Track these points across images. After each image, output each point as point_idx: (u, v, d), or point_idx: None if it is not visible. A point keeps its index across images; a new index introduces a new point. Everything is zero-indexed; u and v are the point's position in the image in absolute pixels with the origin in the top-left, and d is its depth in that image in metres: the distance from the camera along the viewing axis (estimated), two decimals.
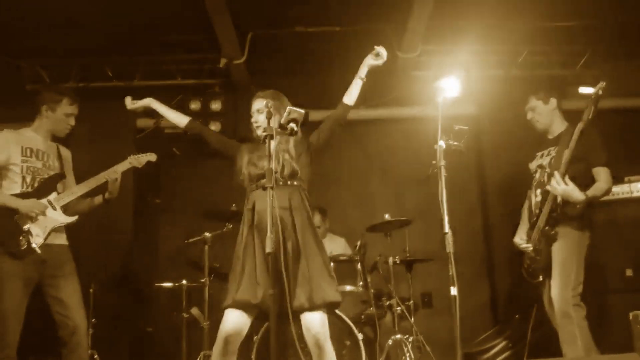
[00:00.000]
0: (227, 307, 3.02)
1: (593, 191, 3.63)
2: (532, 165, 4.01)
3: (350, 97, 3.37)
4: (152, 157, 4.03)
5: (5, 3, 4.66)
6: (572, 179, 3.58)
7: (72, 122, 3.82)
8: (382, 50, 3.33)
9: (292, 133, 2.92)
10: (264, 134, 2.87)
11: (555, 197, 3.63)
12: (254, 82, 5.64)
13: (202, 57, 5.69)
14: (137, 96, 3.49)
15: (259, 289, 2.97)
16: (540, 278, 3.80)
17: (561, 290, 3.60)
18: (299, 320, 3.00)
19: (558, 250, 3.70)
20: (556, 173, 3.56)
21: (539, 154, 3.98)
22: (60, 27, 5.07)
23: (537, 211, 3.81)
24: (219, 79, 5.82)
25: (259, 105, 3.26)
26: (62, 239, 3.69)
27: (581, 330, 3.54)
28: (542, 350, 3.94)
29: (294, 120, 2.92)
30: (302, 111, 2.93)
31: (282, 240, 2.93)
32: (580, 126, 3.54)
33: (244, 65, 5.46)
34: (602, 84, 3.46)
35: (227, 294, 3.05)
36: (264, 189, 2.87)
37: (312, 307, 2.96)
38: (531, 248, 3.83)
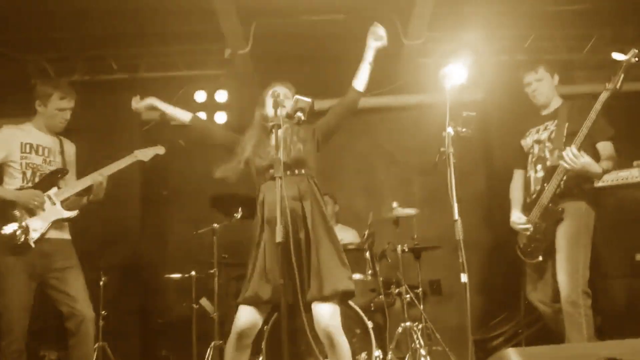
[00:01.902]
0: (239, 304, 3.03)
1: (606, 165, 3.53)
2: (527, 141, 3.89)
3: (361, 82, 3.31)
4: (160, 150, 4.03)
5: None
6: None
7: (67, 116, 3.78)
8: (379, 29, 3.28)
9: (299, 122, 2.91)
10: (271, 123, 2.85)
11: (564, 172, 3.52)
12: (259, 72, 5.63)
13: (207, 48, 5.67)
14: (143, 88, 3.49)
15: (268, 285, 2.96)
16: (540, 258, 3.69)
17: (570, 276, 3.50)
18: (311, 311, 2.99)
19: (565, 232, 3.59)
20: (573, 147, 3.43)
21: (533, 129, 3.88)
22: (65, 21, 5.06)
23: (538, 187, 3.72)
24: (223, 70, 5.80)
25: (288, 93, 3.26)
26: (64, 234, 3.69)
27: (587, 320, 3.48)
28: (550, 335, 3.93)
29: (301, 110, 2.92)
30: (309, 100, 2.93)
31: (293, 231, 2.88)
32: (605, 95, 3.42)
33: (248, 55, 5.44)
34: (635, 51, 3.35)
35: (242, 289, 3.07)
36: (273, 179, 2.86)
37: (323, 298, 2.94)
38: (531, 227, 3.73)
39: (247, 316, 3.01)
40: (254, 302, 3.00)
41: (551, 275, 3.69)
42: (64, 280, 3.56)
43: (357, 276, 4.32)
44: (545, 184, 3.65)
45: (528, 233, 3.75)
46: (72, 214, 3.67)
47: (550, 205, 3.61)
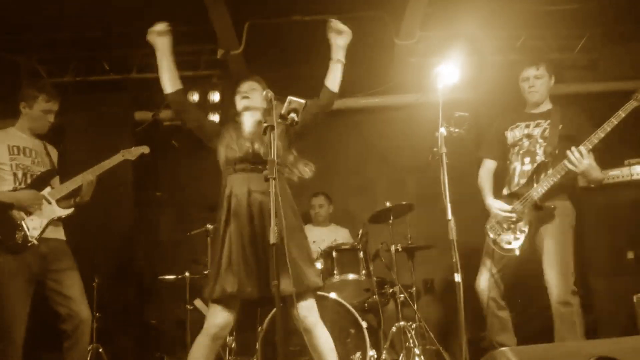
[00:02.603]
0: (207, 299, 3.02)
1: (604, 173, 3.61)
2: (516, 134, 3.85)
3: (333, 82, 3.27)
4: (145, 149, 4.05)
5: None
6: (559, 156, 3.55)
7: (51, 118, 3.78)
8: (336, 23, 3.28)
9: (293, 123, 2.91)
10: (265, 124, 2.85)
11: (564, 171, 3.52)
12: (252, 72, 5.62)
13: (199, 49, 5.66)
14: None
15: (235, 278, 2.95)
16: (517, 252, 3.64)
17: (562, 277, 3.52)
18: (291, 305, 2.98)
19: (553, 233, 3.60)
20: (582, 148, 3.45)
21: (522, 124, 3.85)
22: (57, 22, 5.04)
23: (524, 181, 3.71)
24: (216, 70, 5.79)
25: (252, 84, 3.29)
26: (59, 234, 3.71)
27: (579, 319, 3.52)
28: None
29: (294, 110, 2.91)
30: (302, 101, 2.92)
31: (262, 225, 2.95)
32: (632, 105, 3.49)
33: (241, 55, 5.44)
34: None
35: (207, 285, 3.05)
36: (242, 172, 3.01)
37: (298, 293, 2.94)
38: (514, 218, 3.69)
39: (221, 316, 3.00)
40: (222, 296, 2.96)
41: (511, 274, 3.73)
42: (61, 281, 3.56)
43: (351, 276, 4.34)
44: (534, 179, 3.65)
45: (507, 224, 3.71)
46: (69, 211, 3.70)
47: (538, 202, 3.61)
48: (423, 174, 5.18)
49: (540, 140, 3.73)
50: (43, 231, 3.54)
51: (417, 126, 5.18)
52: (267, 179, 2.70)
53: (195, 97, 5.78)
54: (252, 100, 3.27)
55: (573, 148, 3.47)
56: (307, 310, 3.01)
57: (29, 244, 3.45)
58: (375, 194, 5.86)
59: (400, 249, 4.62)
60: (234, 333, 4.46)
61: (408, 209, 4.62)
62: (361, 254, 4.43)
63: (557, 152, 3.62)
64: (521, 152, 3.80)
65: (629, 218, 4.72)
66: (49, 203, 3.62)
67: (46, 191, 3.64)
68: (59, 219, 3.68)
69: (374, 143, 6.04)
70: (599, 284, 4.68)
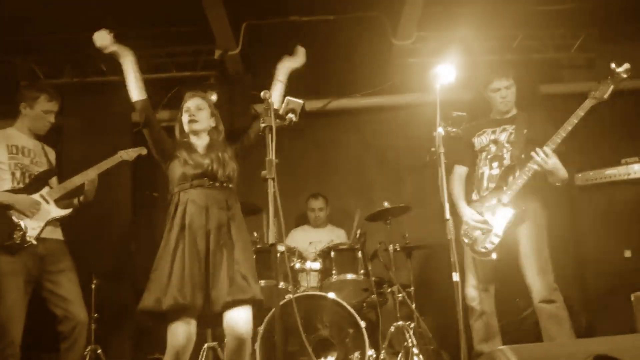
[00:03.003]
0: (150, 309, 2.95)
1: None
2: (482, 140, 3.92)
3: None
4: (142, 150, 4.06)
5: None
6: (526, 159, 3.61)
7: (52, 119, 3.81)
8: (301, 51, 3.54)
9: (291, 123, 2.92)
10: (263, 124, 2.85)
11: (530, 173, 3.58)
12: (250, 73, 5.63)
13: (197, 49, 5.65)
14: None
15: (188, 289, 2.92)
16: (494, 256, 3.67)
17: (542, 276, 3.58)
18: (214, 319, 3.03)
19: (529, 234, 3.65)
20: (547, 148, 3.52)
21: (489, 130, 3.91)
22: (53, 22, 5.04)
23: (493, 185, 3.75)
24: (214, 71, 5.78)
25: (198, 102, 3.30)
26: (57, 234, 3.71)
27: (565, 313, 3.57)
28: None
29: (292, 111, 2.92)
30: (300, 101, 2.93)
31: (216, 239, 3.00)
32: (590, 103, 3.52)
33: (238, 56, 5.44)
34: (628, 66, 3.46)
35: (149, 294, 2.99)
36: (199, 187, 3.07)
37: (242, 302, 2.96)
38: (486, 226, 3.70)
39: (183, 332, 2.95)
40: (174, 308, 2.90)
41: (493, 275, 3.77)
42: (59, 282, 3.56)
43: (349, 276, 4.35)
44: (503, 183, 3.70)
45: (480, 231, 3.73)
46: (67, 211, 3.70)
47: (510, 204, 3.65)
48: (420, 173, 5.20)
49: (507, 145, 3.79)
50: (42, 231, 3.54)
51: (415, 126, 5.19)
52: (265, 179, 2.71)
53: None
54: (200, 123, 3.29)
55: (537, 149, 3.54)
56: (247, 322, 3.00)
57: (27, 244, 3.46)
58: (372, 194, 5.86)
59: (398, 249, 4.62)
60: None
61: (405, 210, 4.63)
62: (359, 254, 4.44)
63: (523, 156, 3.67)
64: (489, 157, 3.86)
65: (626, 217, 4.73)
66: (47, 203, 3.62)
67: (44, 191, 3.65)
68: (58, 219, 3.68)
69: (372, 143, 6.05)
70: (597, 282, 4.69)
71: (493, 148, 3.85)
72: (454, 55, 4.76)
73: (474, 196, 3.89)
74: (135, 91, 3.26)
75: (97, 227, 5.19)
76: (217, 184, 3.14)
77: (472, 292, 3.81)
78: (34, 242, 3.47)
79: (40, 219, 3.56)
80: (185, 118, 3.29)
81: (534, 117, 3.87)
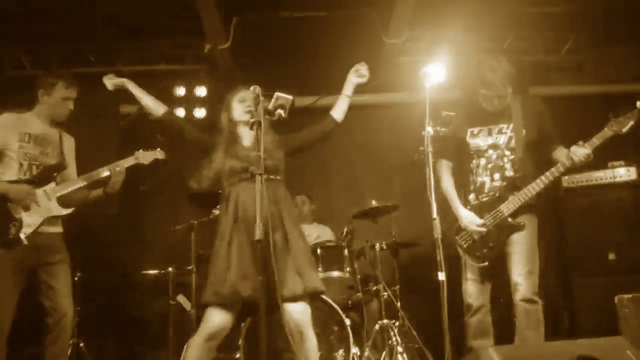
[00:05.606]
0: (212, 302, 3.01)
1: None
2: (479, 142, 3.79)
3: (339, 113, 3.52)
4: (160, 154, 3.99)
5: None
6: (530, 158, 3.62)
7: (71, 105, 3.74)
8: (363, 68, 3.48)
9: (280, 119, 2.91)
10: (252, 120, 2.84)
11: (561, 172, 3.57)
12: (239, 68, 5.60)
13: (186, 43, 5.63)
14: None
15: (247, 282, 2.96)
16: (486, 263, 3.68)
17: (530, 277, 3.58)
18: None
19: (523, 240, 3.64)
20: (588, 149, 3.51)
21: (485, 129, 3.79)
22: (42, 13, 4.98)
23: (492, 194, 3.69)
24: (203, 65, 5.76)
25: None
26: (56, 227, 3.64)
27: (542, 318, 3.58)
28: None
29: (282, 106, 2.91)
30: (290, 97, 2.92)
31: (271, 231, 2.95)
32: (607, 133, 3.52)
33: (228, 50, 5.41)
34: None
35: (209, 288, 3.04)
36: (248, 180, 3.00)
37: (301, 296, 3.02)
38: (484, 231, 3.68)
39: (219, 318, 3.02)
40: (231, 299, 2.98)
41: (489, 281, 3.77)
42: (53, 274, 3.51)
43: (335, 273, 4.35)
44: (506, 195, 3.64)
45: (478, 236, 3.71)
46: (67, 211, 3.61)
47: (509, 218, 3.63)
48: (408, 172, 5.19)
49: (507, 153, 3.71)
50: (36, 229, 3.47)
51: (404, 125, 5.19)
52: (253, 175, 2.70)
53: (181, 91, 5.75)
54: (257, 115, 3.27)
55: (577, 150, 3.51)
56: (304, 314, 3.06)
57: (19, 241, 3.39)
58: (360, 191, 5.86)
59: (384, 247, 4.62)
60: None
61: (393, 209, 4.62)
62: (346, 252, 4.44)
63: (524, 165, 3.65)
64: (489, 166, 3.76)
65: (611, 220, 4.78)
66: (49, 199, 3.54)
67: (49, 187, 3.55)
68: (56, 217, 3.61)
69: (361, 141, 6.05)
70: (581, 284, 4.73)
71: (493, 155, 3.75)
72: (444, 55, 4.76)
73: (473, 200, 3.81)
74: (158, 107, 3.38)
75: (82, 219, 5.11)
76: (265, 177, 3.06)
77: (470, 287, 3.78)
78: (25, 241, 3.40)
79: (37, 216, 3.49)
80: (242, 108, 3.29)
81: (529, 110, 3.76)
